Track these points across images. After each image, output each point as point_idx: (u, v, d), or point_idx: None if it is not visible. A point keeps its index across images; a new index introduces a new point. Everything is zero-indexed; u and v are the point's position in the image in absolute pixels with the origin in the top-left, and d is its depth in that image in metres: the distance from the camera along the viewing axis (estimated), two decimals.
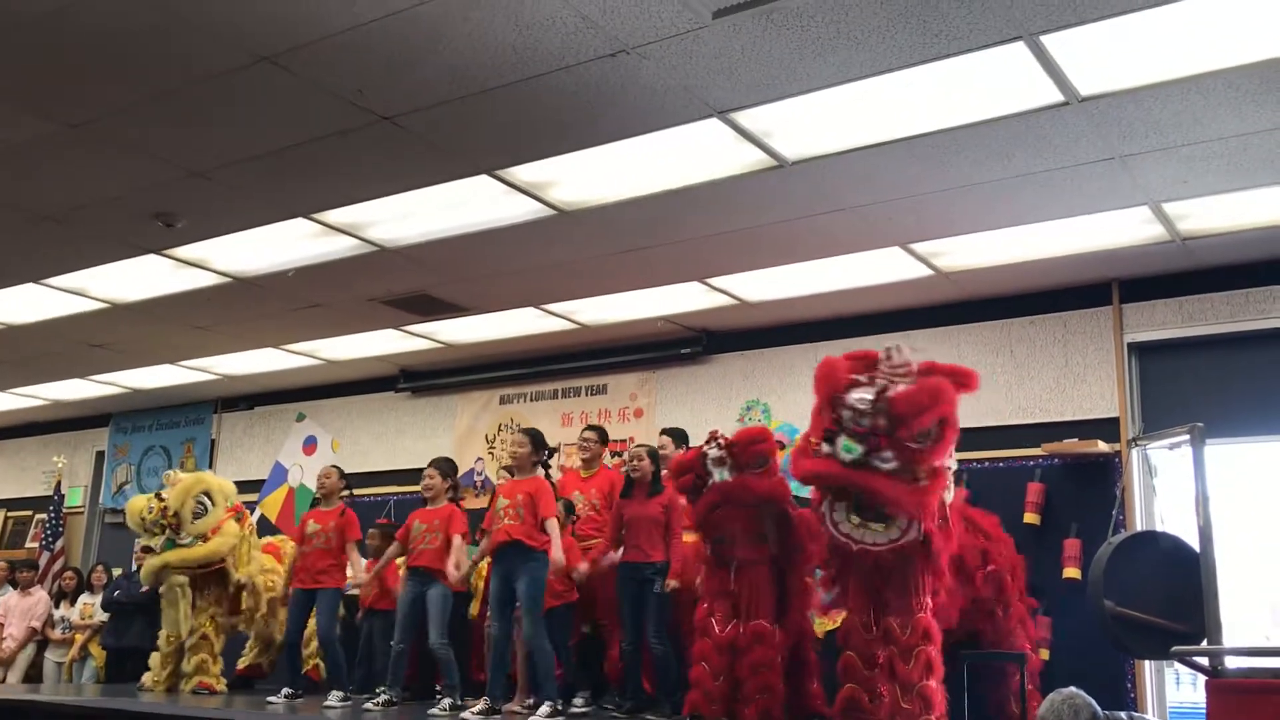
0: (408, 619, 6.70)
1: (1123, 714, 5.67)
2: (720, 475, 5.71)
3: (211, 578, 7.82)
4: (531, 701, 6.21)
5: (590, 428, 7.41)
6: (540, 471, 6.32)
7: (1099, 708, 5.17)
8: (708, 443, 5.79)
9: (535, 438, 6.42)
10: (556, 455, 7.01)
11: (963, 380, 5.19)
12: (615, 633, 6.61)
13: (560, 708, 6.05)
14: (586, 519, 6.84)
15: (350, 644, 7.82)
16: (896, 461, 4.92)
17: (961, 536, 5.90)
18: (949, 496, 5.30)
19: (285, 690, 7.16)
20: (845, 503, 5.08)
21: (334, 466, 7.70)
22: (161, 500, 7.73)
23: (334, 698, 6.92)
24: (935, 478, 5.05)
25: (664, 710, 6.23)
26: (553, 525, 6.09)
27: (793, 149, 5.28)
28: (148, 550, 7.85)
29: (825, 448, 5.02)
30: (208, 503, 7.77)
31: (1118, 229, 6.13)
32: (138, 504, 7.96)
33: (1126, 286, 6.90)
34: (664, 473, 6.32)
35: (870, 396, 4.97)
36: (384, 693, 6.67)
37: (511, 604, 6.13)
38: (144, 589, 8.33)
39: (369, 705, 6.56)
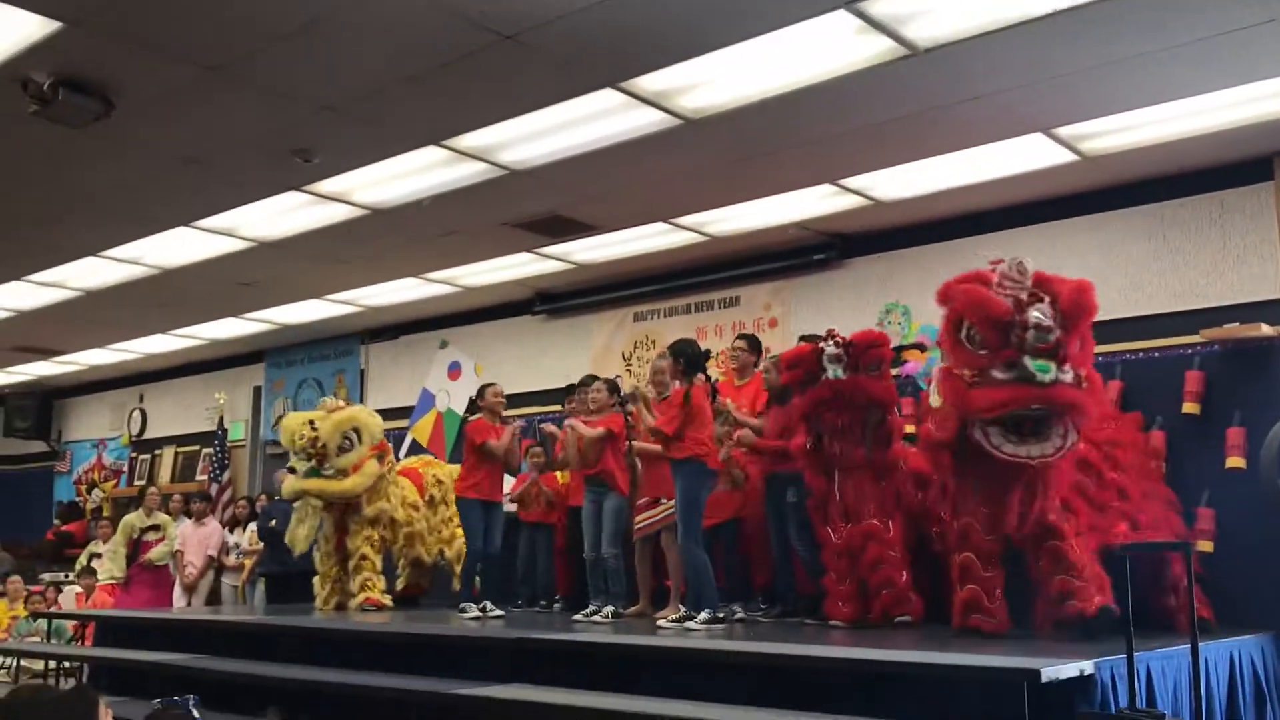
0: (593, 528, 6.90)
1: None
2: (834, 372, 5.72)
3: (358, 505, 8.06)
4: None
5: (741, 336, 7.44)
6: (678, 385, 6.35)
7: None
8: (825, 339, 5.76)
9: (682, 352, 6.44)
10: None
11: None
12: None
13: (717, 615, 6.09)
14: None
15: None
16: (1073, 372, 4.85)
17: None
18: None
19: (485, 603, 7.26)
20: (998, 426, 4.94)
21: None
22: (314, 429, 7.94)
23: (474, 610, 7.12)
24: (1091, 380, 4.98)
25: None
26: None
27: (924, 36, 5.07)
28: (292, 470, 8.16)
29: (1003, 374, 4.87)
30: (355, 439, 8.00)
31: (1278, 97, 5.74)
32: (293, 423, 8.15)
33: None
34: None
35: (1049, 311, 4.84)
36: (601, 607, 6.77)
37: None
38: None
39: (597, 619, 6.60)
